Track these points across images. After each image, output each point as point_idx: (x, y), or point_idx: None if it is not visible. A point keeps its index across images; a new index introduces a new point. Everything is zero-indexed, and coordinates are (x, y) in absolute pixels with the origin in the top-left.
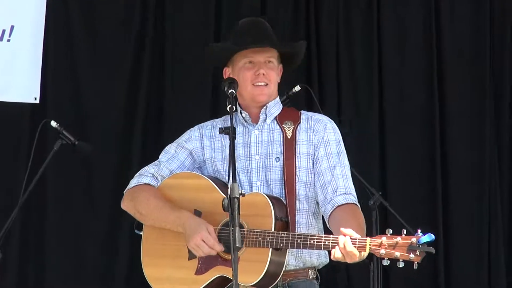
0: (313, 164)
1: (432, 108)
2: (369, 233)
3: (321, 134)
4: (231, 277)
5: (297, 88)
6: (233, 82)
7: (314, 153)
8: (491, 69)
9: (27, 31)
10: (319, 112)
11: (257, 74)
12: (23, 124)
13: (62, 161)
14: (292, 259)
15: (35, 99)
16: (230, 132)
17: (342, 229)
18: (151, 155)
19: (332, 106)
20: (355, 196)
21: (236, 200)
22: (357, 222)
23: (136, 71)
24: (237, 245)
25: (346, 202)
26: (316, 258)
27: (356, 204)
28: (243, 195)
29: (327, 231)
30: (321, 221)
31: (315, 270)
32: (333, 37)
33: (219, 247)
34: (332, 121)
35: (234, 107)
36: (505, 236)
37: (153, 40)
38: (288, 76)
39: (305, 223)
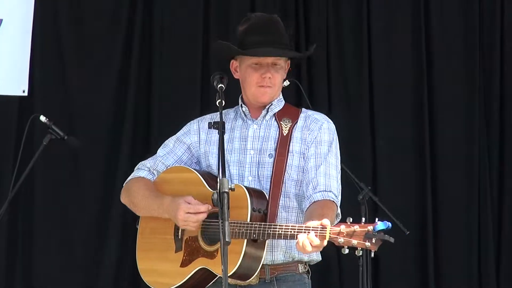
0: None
1: (421, 103)
2: None
3: (314, 134)
4: (212, 270)
5: (286, 83)
6: (223, 77)
7: (305, 152)
8: (481, 65)
9: (16, 24)
10: (309, 107)
11: (263, 77)
12: (11, 118)
13: (51, 156)
14: (281, 255)
15: (23, 91)
16: (219, 126)
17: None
18: (140, 150)
19: (322, 101)
20: (336, 194)
21: (225, 194)
22: (321, 213)
23: (124, 65)
24: (226, 240)
25: (323, 198)
26: (308, 255)
27: (332, 201)
28: (233, 189)
29: None
30: None
31: (305, 264)
32: (322, 31)
33: (204, 207)
34: (331, 121)
35: (223, 101)
36: (494, 228)
37: (141, 35)
38: None
39: (295, 221)
